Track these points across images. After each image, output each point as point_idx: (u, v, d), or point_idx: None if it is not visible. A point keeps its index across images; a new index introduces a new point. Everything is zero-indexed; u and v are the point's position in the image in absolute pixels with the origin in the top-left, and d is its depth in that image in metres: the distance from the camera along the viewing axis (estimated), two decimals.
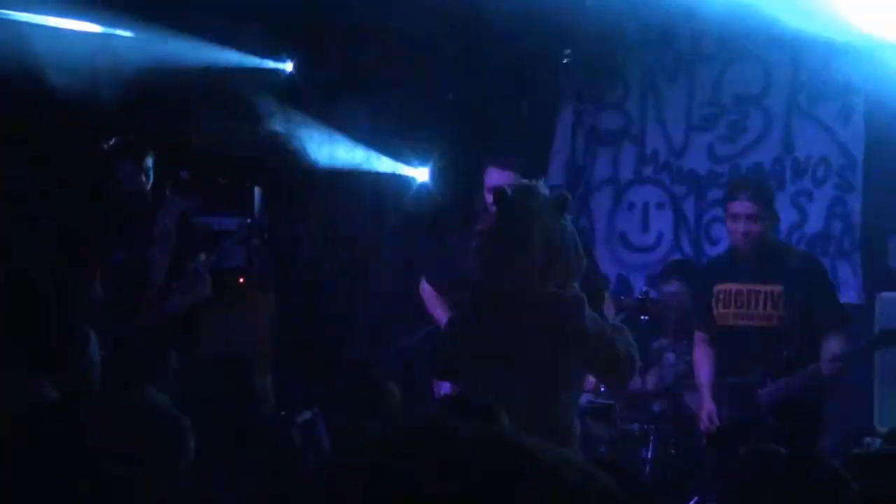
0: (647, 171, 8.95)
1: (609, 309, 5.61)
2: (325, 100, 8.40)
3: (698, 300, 6.80)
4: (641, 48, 8.66)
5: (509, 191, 4.95)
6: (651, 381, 7.59)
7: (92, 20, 7.53)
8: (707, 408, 6.50)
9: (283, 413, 6.90)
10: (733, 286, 6.55)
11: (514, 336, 4.73)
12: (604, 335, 4.87)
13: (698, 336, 6.81)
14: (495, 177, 6.38)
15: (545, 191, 4.94)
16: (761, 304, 6.49)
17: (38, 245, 7.36)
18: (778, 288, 6.46)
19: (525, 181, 5.16)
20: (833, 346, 6.39)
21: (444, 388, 6.26)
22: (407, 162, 8.92)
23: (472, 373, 4.83)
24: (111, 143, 6.67)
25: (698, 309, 6.78)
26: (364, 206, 9.04)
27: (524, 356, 4.74)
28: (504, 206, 4.87)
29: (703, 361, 6.68)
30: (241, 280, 8.24)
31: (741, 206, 6.43)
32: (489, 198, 6.11)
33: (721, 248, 8.23)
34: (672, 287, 7.84)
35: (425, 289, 6.67)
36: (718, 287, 6.58)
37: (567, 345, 4.76)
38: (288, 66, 8.62)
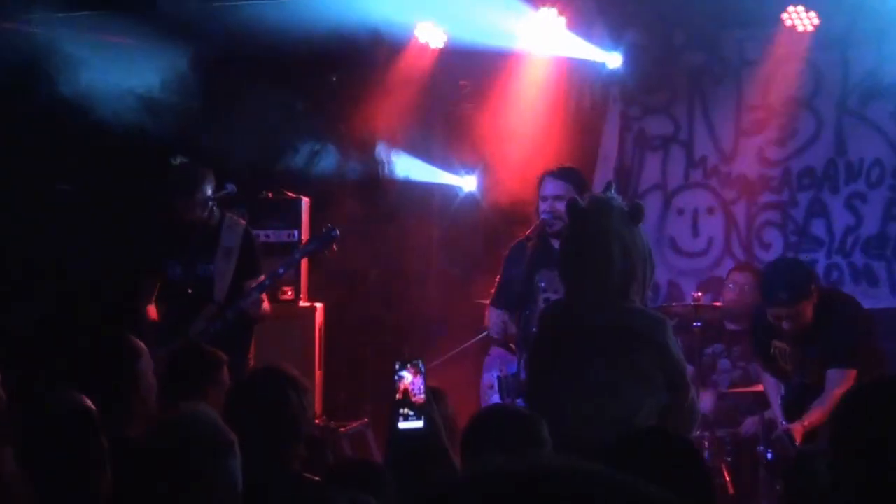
0: (697, 175, 8.92)
1: None
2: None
3: (758, 346, 6.76)
4: (688, 52, 8.71)
5: (582, 202, 4.89)
6: (704, 404, 7.20)
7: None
8: (784, 427, 6.42)
9: (331, 423, 7.85)
10: (787, 347, 6.58)
11: (596, 355, 4.57)
12: (684, 363, 4.75)
13: (761, 369, 6.88)
14: (550, 187, 6.44)
15: (618, 201, 4.88)
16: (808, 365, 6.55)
17: (91, 260, 7.74)
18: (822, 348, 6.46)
19: (599, 193, 5.09)
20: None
21: (494, 398, 6.42)
22: (455, 171, 9.07)
23: (551, 394, 4.64)
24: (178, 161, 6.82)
25: (759, 351, 6.76)
26: (411, 216, 9.10)
27: (604, 377, 4.57)
28: (579, 217, 4.76)
29: (770, 386, 6.71)
30: (290, 292, 8.33)
31: (778, 311, 6.37)
32: (543, 206, 6.33)
33: (774, 254, 8.47)
34: (742, 278, 7.76)
35: (494, 316, 6.63)
36: (775, 343, 6.58)
37: (651, 364, 4.57)
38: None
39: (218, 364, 5.08)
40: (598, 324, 4.53)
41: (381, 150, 8.68)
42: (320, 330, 8.27)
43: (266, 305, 6.72)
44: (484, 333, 7.30)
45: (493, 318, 6.63)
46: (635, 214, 4.74)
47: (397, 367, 3.95)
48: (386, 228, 9.01)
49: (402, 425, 3.89)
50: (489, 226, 8.94)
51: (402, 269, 9.16)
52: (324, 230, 6.75)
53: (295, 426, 4.09)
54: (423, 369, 3.94)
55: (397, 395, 3.91)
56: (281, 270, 6.78)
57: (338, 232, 6.69)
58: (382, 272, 9.11)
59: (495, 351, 6.65)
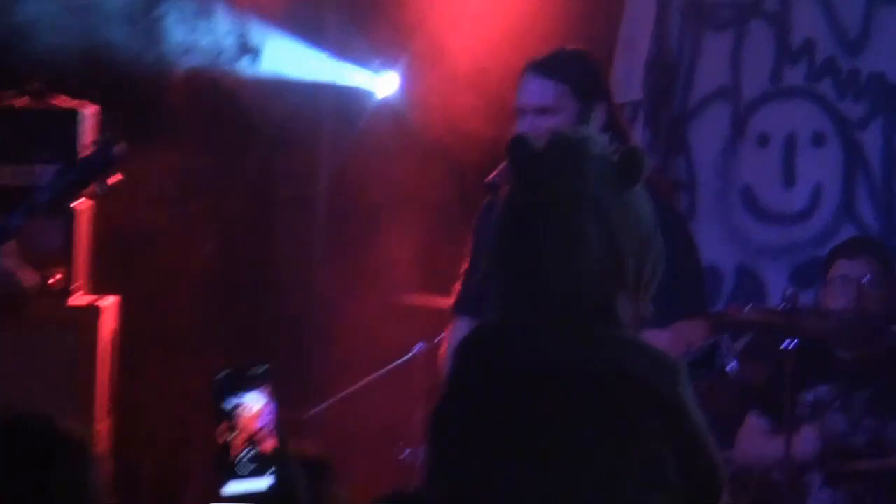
0: (796, 75, 7.05)
1: (698, 332, 4.93)
2: None
3: None
4: None
5: (533, 141, 3.64)
6: (804, 445, 6.09)
7: None
8: None
9: None
10: None
11: (557, 421, 3.67)
12: (713, 444, 3.76)
13: None
14: (532, 91, 5.10)
15: (602, 143, 3.62)
16: None
17: None
18: None
19: (569, 129, 3.99)
20: None
21: None
22: (364, 64, 7.13)
23: (475, 489, 3.73)
24: None
25: None
26: (284, 141, 7.36)
27: (571, 459, 3.65)
28: (527, 172, 3.60)
29: None
30: (58, 277, 6.58)
31: None
32: (521, 124, 4.97)
33: None
34: (856, 268, 6.32)
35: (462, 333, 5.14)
36: None
37: (654, 439, 3.61)
38: None
39: None
40: (559, 365, 3.52)
41: (234, 25, 6.82)
42: (112, 343, 6.70)
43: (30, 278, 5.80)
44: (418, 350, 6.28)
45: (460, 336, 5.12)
46: (629, 169, 3.53)
47: (224, 387, 3.34)
48: (239, 163, 7.21)
49: (232, 488, 3.34)
50: (426, 161, 6.97)
51: (269, 235, 7.43)
52: (96, 145, 5.58)
53: None
54: (270, 386, 3.36)
55: (227, 438, 3.35)
56: (14, 222, 5.50)
57: (120, 147, 5.42)
58: (231, 241, 7.30)
59: None
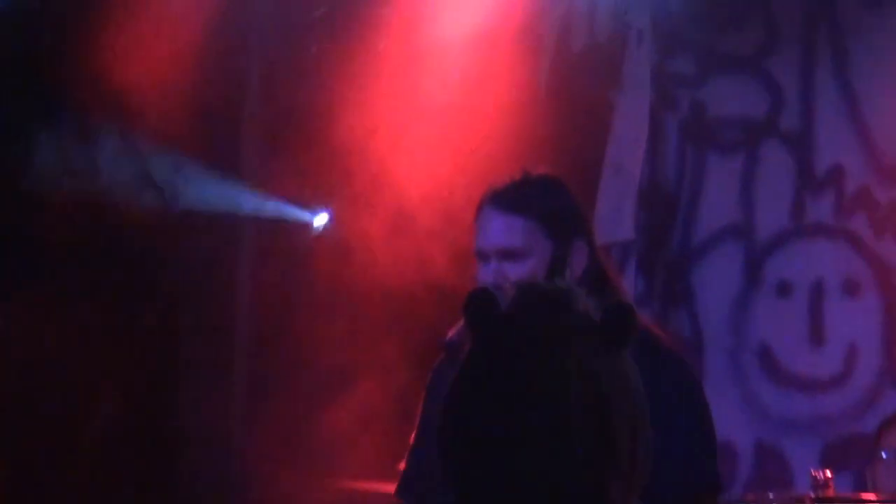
0: (821, 208, 6.19)
1: None
2: None
3: None
4: None
5: (498, 295, 3.02)
6: None
7: None
8: None
9: None
10: None
11: None
12: None
13: None
14: (493, 230, 4.45)
15: (582, 297, 3.02)
16: None
17: None
18: None
19: (542, 274, 4.05)
20: None
21: None
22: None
23: None
24: None
25: None
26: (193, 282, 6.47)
27: None
28: (494, 341, 3.01)
29: None
30: None
31: None
32: (482, 272, 4.34)
33: None
34: None
35: None
36: None
37: None
38: None
39: None
40: None
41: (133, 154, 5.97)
42: None
43: None
44: None
45: None
46: (617, 330, 3.00)
47: None
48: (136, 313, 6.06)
49: None
50: (366, 313, 6.03)
51: (171, 407, 6.31)
52: None
53: None
54: None
55: None
56: None
57: None
58: (120, 420, 6.11)
59: None
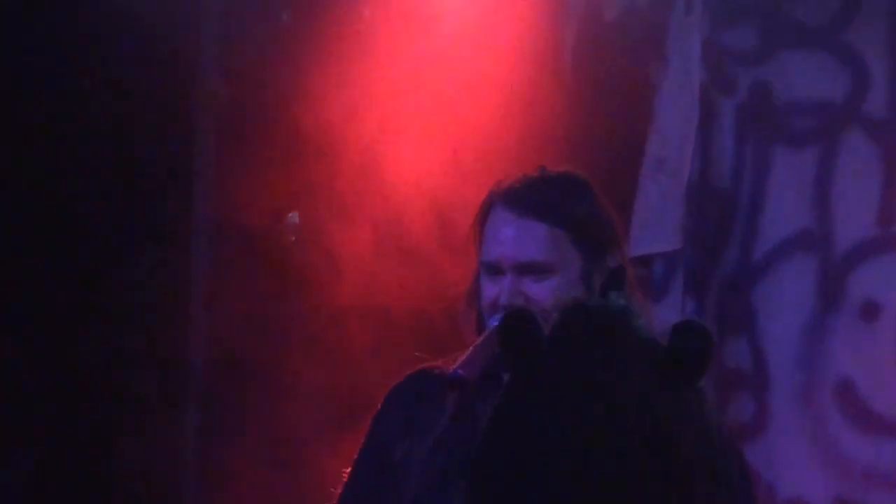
0: None
1: None
2: None
3: None
4: None
5: (537, 319, 2.83)
6: None
7: None
8: None
9: None
10: None
11: None
12: None
13: None
14: (505, 236, 3.84)
15: (635, 316, 2.87)
16: None
17: None
18: None
19: (588, 298, 3.54)
20: None
21: None
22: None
23: None
24: None
25: None
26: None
27: None
28: (531, 378, 2.85)
29: None
30: None
31: None
32: (487, 290, 3.75)
33: None
34: None
35: None
36: None
37: None
38: None
39: None
40: None
41: None
42: None
43: None
44: None
45: None
46: (690, 358, 2.82)
47: None
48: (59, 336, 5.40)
49: None
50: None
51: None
52: None
53: None
54: None
55: None
56: None
57: None
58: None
59: None
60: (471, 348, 3.60)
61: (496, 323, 3.58)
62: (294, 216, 5.20)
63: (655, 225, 4.98)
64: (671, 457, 2.69)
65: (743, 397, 4.73)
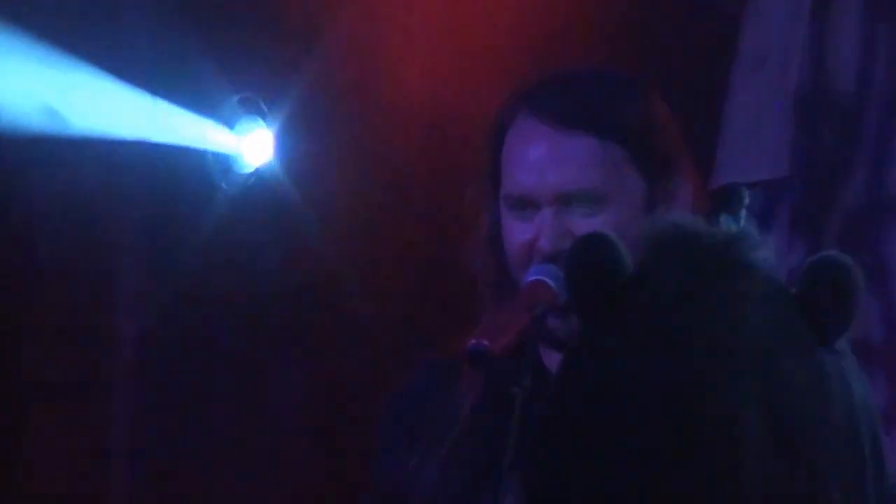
0: None
1: None
2: None
3: None
4: None
5: (622, 260, 2.49)
6: None
7: None
8: None
9: None
10: None
11: None
12: None
13: None
14: (537, 154, 3.24)
15: (765, 250, 2.39)
16: None
17: None
18: None
19: (693, 219, 2.56)
20: None
21: None
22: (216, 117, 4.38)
23: None
24: None
25: None
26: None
27: None
28: (625, 310, 2.52)
29: None
30: None
31: None
32: (513, 230, 3.22)
33: None
34: None
35: None
36: None
37: None
38: None
39: None
40: None
41: None
42: None
43: None
44: None
45: None
46: (827, 305, 2.41)
47: None
48: None
49: None
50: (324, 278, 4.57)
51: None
52: None
53: None
54: None
55: None
56: None
57: None
58: None
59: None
60: (495, 313, 3.04)
61: (534, 277, 3.02)
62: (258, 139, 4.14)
63: (751, 146, 3.89)
64: (800, 454, 2.21)
65: (873, 378, 3.72)
